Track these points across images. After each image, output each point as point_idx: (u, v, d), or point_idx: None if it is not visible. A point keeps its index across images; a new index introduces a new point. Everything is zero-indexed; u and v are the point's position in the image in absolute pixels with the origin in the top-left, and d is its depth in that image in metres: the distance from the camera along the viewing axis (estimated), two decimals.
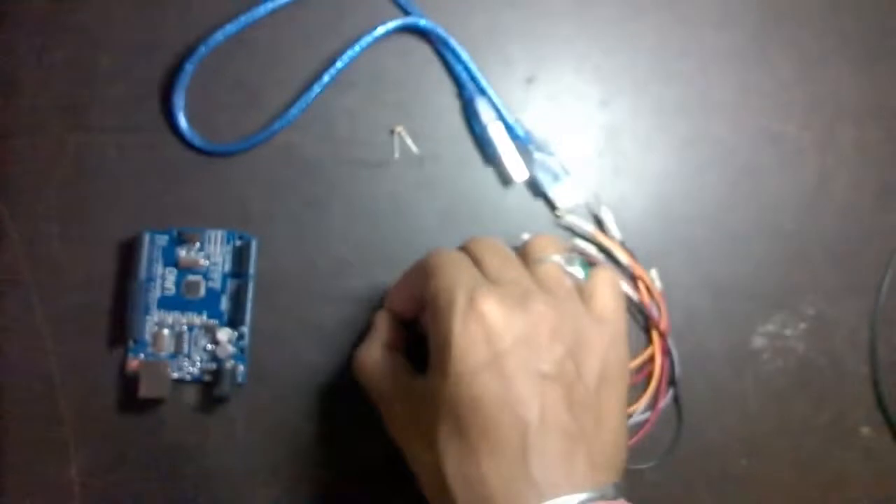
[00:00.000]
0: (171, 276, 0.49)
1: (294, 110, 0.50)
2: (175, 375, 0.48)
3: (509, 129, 0.50)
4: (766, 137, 0.52)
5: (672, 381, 0.49)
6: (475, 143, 0.51)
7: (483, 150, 0.51)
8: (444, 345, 0.37)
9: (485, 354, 0.36)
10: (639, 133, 0.52)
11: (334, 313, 0.49)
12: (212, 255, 0.49)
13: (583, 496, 0.34)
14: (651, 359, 0.49)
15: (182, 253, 0.49)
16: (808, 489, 0.49)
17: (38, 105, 0.50)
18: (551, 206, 0.50)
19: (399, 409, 0.42)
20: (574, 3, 0.53)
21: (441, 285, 0.39)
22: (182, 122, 0.50)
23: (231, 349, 0.48)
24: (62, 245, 0.49)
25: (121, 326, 0.48)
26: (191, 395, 0.48)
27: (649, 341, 0.49)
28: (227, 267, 0.49)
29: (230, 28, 0.50)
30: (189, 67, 0.50)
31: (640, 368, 0.49)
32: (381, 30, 0.50)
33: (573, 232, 0.51)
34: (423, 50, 0.52)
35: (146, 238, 0.48)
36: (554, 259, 0.42)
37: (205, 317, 0.49)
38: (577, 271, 0.42)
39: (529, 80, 0.52)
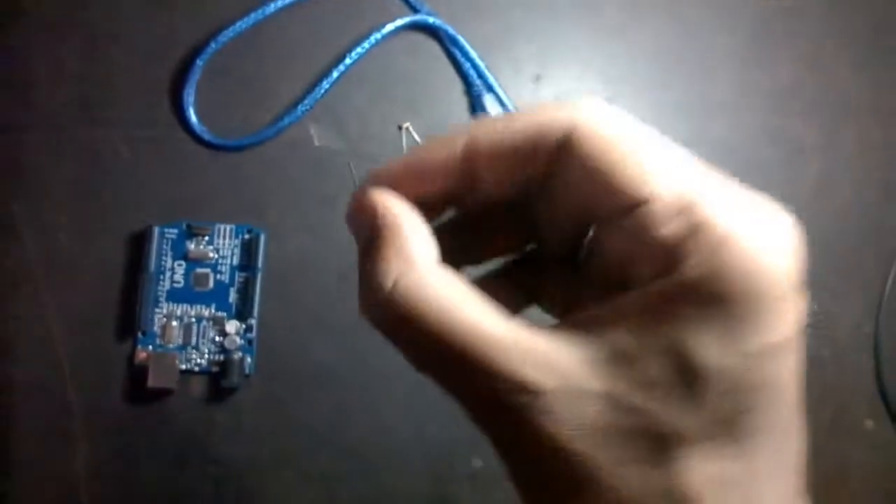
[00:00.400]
0: (180, 268, 0.49)
1: (303, 106, 0.51)
2: (183, 367, 0.48)
3: None
4: (767, 137, 0.53)
5: None
6: None
7: None
8: (760, 292, 0.21)
9: (800, 318, 0.22)
10: None
11: (342, 306, 0.49)
12: (221, 248, 0.49)
13: None
14: None
15: (191, 246, 0.49)
16: (813, 481, 0.49)
17: (50, 101, 0.51)
18: None
19: (557, 392, 0.21)
20: (581, 2, 0.54)
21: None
22: (192, 117, 0.50)
23: (239, 341, 0.48)
24: (73, 238, 0.49)
25: (130, 318, 0.48)
26: (199, 387, 0.49)
27: None
28: (236, 260, 0.49)
29: (240, 25, 0.51)
30: (199, 64, 0.51)
31: None
32: (390, 27, 0.51)
33: None
34: (432, 47, 0.52)
35: (156, 231, 0.49)
36: None
37: (213, 309, 0.49)
38: None
39: (537, 78, 0.53)
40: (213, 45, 0.51)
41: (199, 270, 0.49)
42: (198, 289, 0.49)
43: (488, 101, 0.51)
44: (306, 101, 0.51)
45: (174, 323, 0.49)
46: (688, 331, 0.20)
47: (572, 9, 0.53)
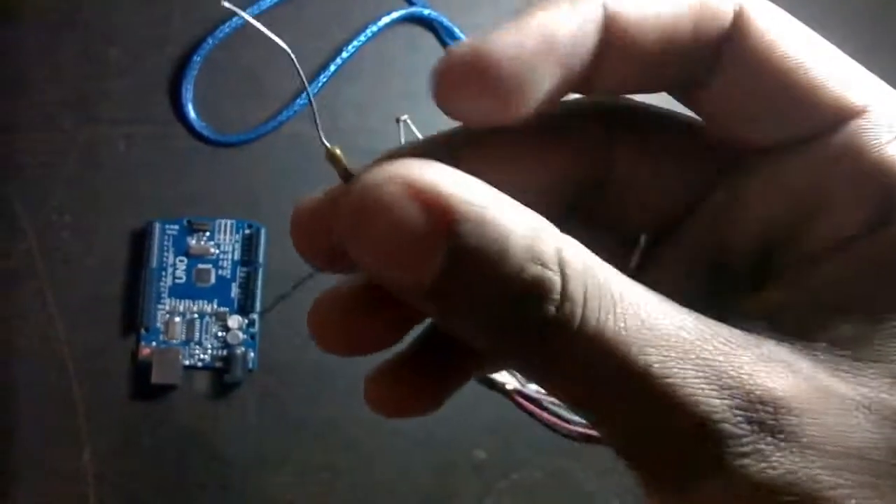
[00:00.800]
0: (181, 264, 0.49)
1: (301, 100, 0.51)
2: (186, 362, 0.48)
3: None
4: None
5: None
6: None
7: None
8: None
9: None
10: None
11: None
12: (222, 243, 0.50)
13: None
14: None
15: (192, 242, 0.49)
16: None
17: (49, 99, 0.51)
18: None
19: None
20: None
21: None
22: (191, 113, 0.51)
23: (242, 336, 0.48)
24: (74, 236, 0.50)
25: (133, 315, 0.49)
26: (202, 382, 0.49)
27: None
28: (237, 255, 0.50)
29: (237, 20, 0.51)
30: (197, 60, 0.51)
31: None
32: (386, 20, 0.51)
33: None
34: (429, 39, 0.52)
35: (157, 227, 0.49)
36: None
37: (215, 304, 0.49)
38: None
39: None
40: (210, 40, 0.51)
41: (201, 266, 0.49)
42: (200, 284, 0.49)
43: None
44: (304, 96, 0.51)
45: (177, 319, 0.49)
46: None
47: None
